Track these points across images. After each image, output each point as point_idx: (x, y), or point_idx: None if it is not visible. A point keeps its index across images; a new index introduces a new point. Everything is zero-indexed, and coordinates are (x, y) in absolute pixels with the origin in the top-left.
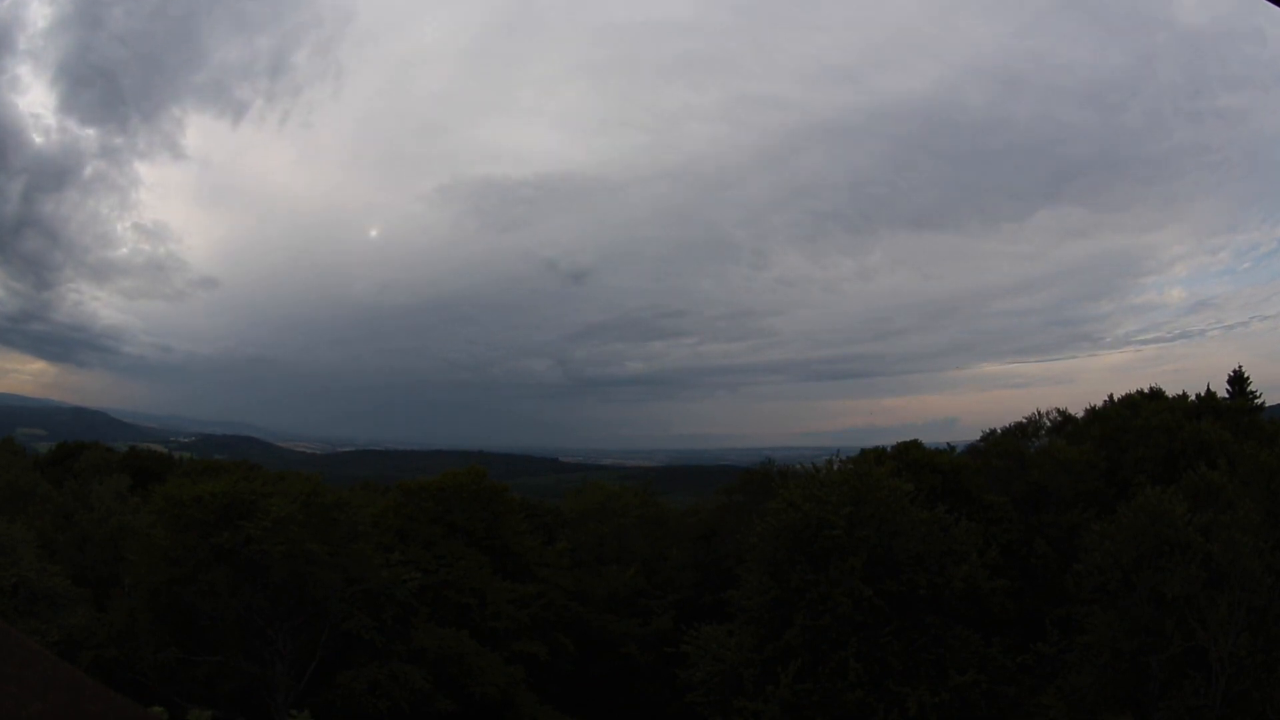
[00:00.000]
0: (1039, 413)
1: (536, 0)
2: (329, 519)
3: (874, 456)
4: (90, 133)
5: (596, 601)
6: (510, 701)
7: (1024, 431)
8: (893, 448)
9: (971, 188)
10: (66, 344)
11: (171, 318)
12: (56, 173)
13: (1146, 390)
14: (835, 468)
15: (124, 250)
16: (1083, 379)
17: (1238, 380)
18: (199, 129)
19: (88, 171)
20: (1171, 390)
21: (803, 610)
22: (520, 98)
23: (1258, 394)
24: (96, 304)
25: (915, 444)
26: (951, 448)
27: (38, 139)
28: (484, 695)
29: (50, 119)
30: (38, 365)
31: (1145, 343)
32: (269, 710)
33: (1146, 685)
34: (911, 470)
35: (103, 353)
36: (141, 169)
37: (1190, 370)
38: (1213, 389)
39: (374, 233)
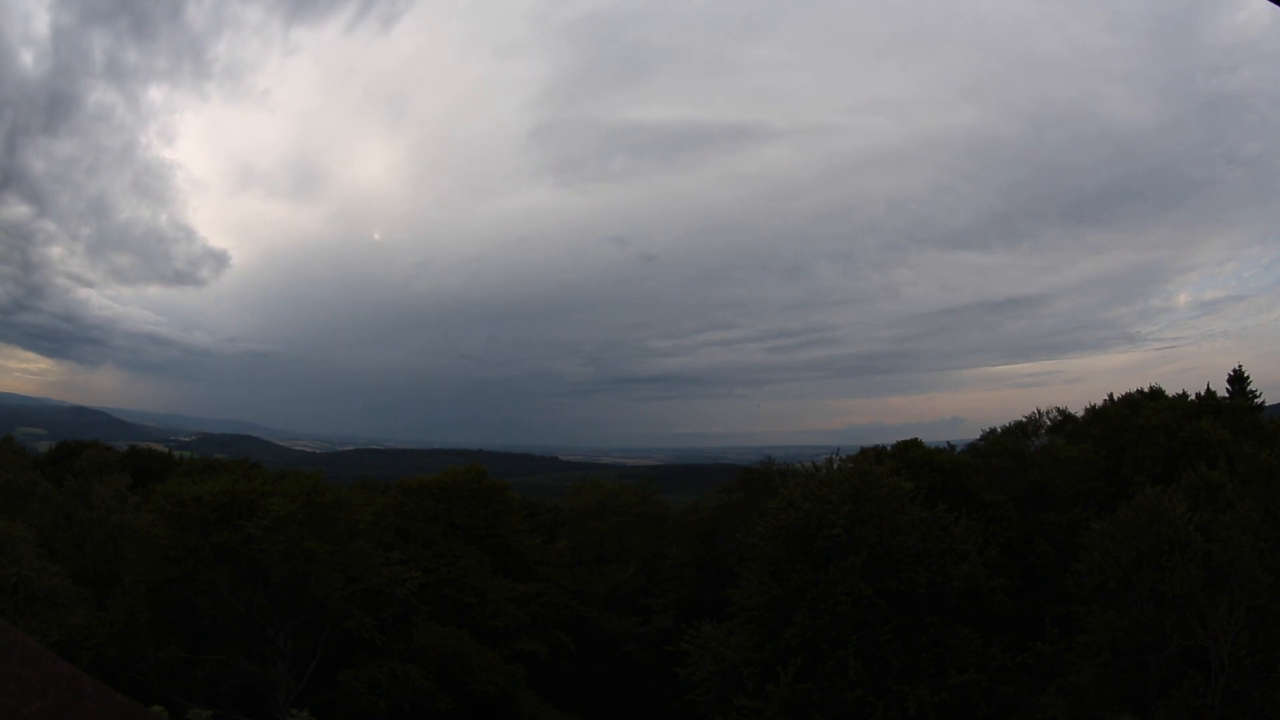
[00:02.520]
0: (1039, 412)
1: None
2: (329, 518)
3: (874, 455)
4: (95, 38)
5: (597, 600)
6: (510, 700)
7: (1024, 430)
8: (892, 446)
9: (998, 211)
10: (61, 339)
11: (173, 305)
12: (49, 105)
13: (1147, 389)
14: (835, 466)
15: (124, 215)
16: (1092, 379)
17: (1238, 380)
18: (236, 32)
19: (89, 103)
20: (1178, 390)
21: (803, 609)
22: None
23: (1258, 393)
24: (90, 292)
25: (915, 443)
26: (951, 446)
27: (27, 58)
28: (484, 694)
29: (44, 20)
30: (39, 364)
31: (1152, 344)
32: (269, 709)
33: (1146, 684)
34: (911, 469)
35: (97, 346)
36: (158, 95)
37: (1198, 370)
38: (1213, 388)
39: (428, 195)
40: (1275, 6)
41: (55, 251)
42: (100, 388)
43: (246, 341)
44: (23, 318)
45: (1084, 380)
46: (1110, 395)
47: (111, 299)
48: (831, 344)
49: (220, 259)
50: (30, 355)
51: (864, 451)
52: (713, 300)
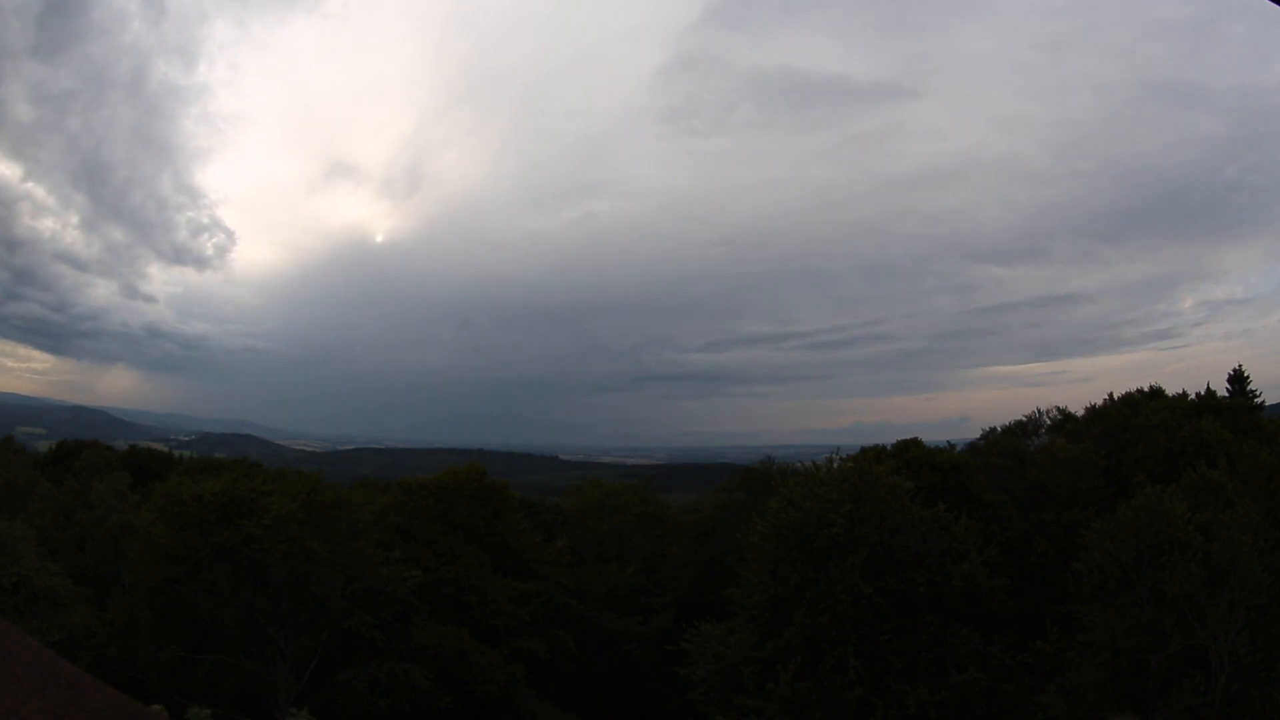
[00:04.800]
0: (1039, 411)
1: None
2: (329, 517)
3: (873, 454)
4: None
5: (597, 599)
6: (511, 699)
7: (1024, 430)
8: (892, 445)
9: (1017, 227)
10: (53, 333)
11: (172, 294)
12: (43, 14)
13: (1147, 389)
14: (835, 465)
15: (123, 175)
16: (1099, 379)
17: (1238, 379)
18: None
19: (96, 10)
20: (1181, 390)
21: (803, 608)
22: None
23: (1258, 393)
24: (85, 276)
25: (915, 442)
26: (951, 446)
27: None
28: (484, 693)
29: None
30: (43, 363)
31: (1154, 344)
32: (269, 709)
33: (1146, 684)
34: (911, 468)
35: (92, 340)
36: None
37: (1201, 370)
38: (1213, 388)
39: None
40: (1275, 6)
41: (46, 225)
42: (100, 387)
43: (248, 338)
44: (10, 308)
45: (1091, 380)
46: (1110, 394)
47: (105, 285)
48: (876, 340)
49: (228, 237)
50: (32, 353)
51: (864, 451)
52: (766, 298)
